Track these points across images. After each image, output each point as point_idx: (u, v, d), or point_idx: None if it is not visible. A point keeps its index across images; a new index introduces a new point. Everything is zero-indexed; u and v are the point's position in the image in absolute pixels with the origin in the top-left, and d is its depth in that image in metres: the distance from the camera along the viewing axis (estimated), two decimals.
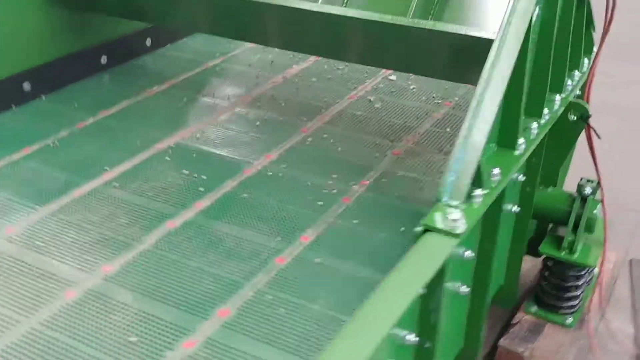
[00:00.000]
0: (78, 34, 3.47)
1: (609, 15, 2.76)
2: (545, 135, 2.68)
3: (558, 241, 2.91)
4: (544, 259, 2.99)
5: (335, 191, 2.54)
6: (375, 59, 2.84)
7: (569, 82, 2.87)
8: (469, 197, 2.01)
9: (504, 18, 2.12)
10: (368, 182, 2.61)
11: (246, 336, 1.89)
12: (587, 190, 2.87)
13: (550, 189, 3.01)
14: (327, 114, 3.16)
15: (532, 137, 2.45)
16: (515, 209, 2.70)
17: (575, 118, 2.84)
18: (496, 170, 2.14)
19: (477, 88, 2.08)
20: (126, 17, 3.47)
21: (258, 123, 3.06)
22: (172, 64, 3.71)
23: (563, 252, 2.87)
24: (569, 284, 2.92)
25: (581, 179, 2.95)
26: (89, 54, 3.55)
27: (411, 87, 3.46)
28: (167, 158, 2.77)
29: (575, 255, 2.85)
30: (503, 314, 3.04)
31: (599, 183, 2.90)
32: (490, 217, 2.34)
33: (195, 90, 3.40)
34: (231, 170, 2.67)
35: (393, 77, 3.56)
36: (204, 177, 2.64)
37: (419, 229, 1.89)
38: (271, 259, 2.19)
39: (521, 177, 2.65)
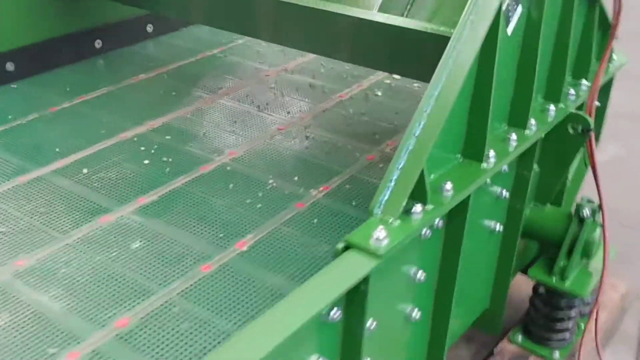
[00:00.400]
0: (70, 16, 3.35)
1: (614, 19, 2.45)
2: (536, 147, 2.41)
3: (551, 265, 2.63)
4: (535, 285, 2.71)
5: (290, 195, 2.33)
6: (348, 56, 2.61)
7: (572, 90, 2.58)
8: (407, 212, 1.78)
9: (463, 15, 1.87)
10: (330, 187, 2.39)
11: (136, 352, 1.69)
12: (586, 211, 2.58)
13: (548, 208, 2.73)
14: (312, 112, 2.94)
15: (510, 149, 2.19)
16: (499, 227, 2.43)
17: (574, 131, 2.55)
18: (448, 185, 1.89)
19: (427, 90, 1.84)
20: (119, 1, 3.33)
21: (235, 117, 2.88)
22: (169, 52, 3.56)
23: (554, 278, 2.59)
24: (559, 314, 2.64)
25: (581, 199, 2.66)
26: (82, 38, 3.43)
27: (414, 87, 3.22)
28: (127, 149, 2.62)
29: (567, 283, 2.57)
30: (490, 341, 2.78)
31: (600, 204, 2.60)
32: (452, 236, 2.10)
33: (183, 80, 3.23)
34: (188, 165, 2.50)
35: (397, 75, 3.32)
36: (158, 170, 2.47)
37: (340, 245, 1.67)
38: (196, 265, 1.99)
39: (505, 193, 2.39)
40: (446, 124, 1.91)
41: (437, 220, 1.97)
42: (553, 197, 2.73)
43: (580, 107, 2.64)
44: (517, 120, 2.27)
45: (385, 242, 1.66)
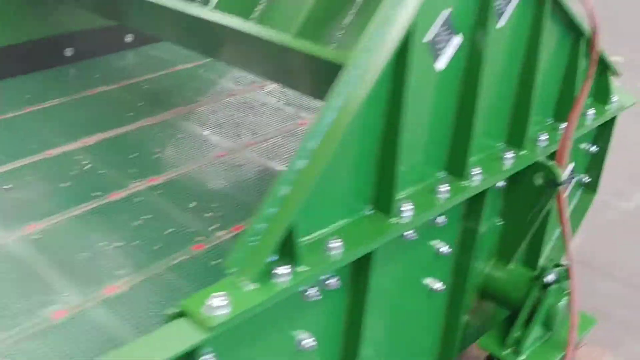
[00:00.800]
0: (39, 22, 3.17)
1: (592, 56, 2.10)
2: (485, 199, 2.08)
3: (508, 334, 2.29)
4: (487, 356, 2.36)
5: (194, 233, 2.07)
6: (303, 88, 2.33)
7: (544, 135, 2.24)
8: (269, 274, 1.49)
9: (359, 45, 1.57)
10: (244, 226, 2.11)
11: None
12: (550, 276, 2.23)
13: (511, 267, 2.38)
14: (263, 138, 2.68)
15: (437, 202, 1.87)
16: (440, 286, 2.11)
17: (542, 183, 2.21)
18: (335, 242, 1.59)
19: (311, 127, 1.55)
20: (95, 12, 3.14)
21: (176, 139, 2.64)
22: (144, 63, 3.35)
23: (506, 351, 2.24)
24: None
25: (548, 261, 2.32)
26: (52, 45, 3.25)
27: None
28: (48, 167, 2.41)
29: (520, 358, 2.22)
30: None
31: (568, 269, 2.25)
32: (354, 298, 1.80)
33: (143, 94, 3.02)
34: (101, 190, 2.26)
35: None
36: (66, 194, 2.25)
37: (172, 310, 1.40)
38: (49, 311, 1.75)
39: (445, 249, 2.06)
40: (342, 169, 1.62)
41: (329, 280, 1.67)
42: (516, 255, 2.38)
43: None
44: (455, 168, 1.95)
45: (223, 311, 1.38)
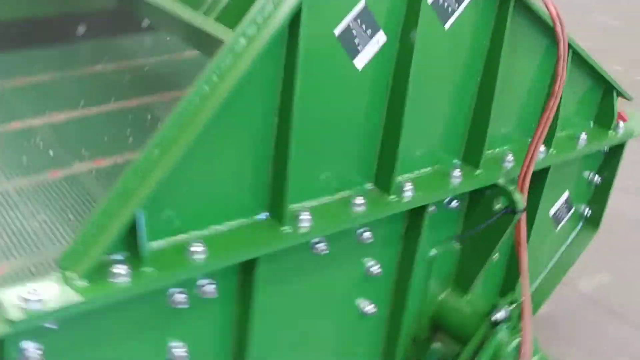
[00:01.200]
0: None
1: (556, 74, 1.85)
2: (424, 218, 1.88)
3: None
4: None
5: None
6: None
7: (510, 156, 2.02)
8: (104, 272, 1.36)
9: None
10: None
11: None
12: (500, 314, 2.02)
13: (466, 298, 2.17)
14: None
15: (350, 215, 1.69)
16: (372, 309, 1.94)
17: (499, 207, 2.00)
18: (197, 247, 1.45)
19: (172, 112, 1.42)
20: None
21: (140, 124, 2.53)
22: (152, 47, 3.28)
23: None
24: None
25: (504, 297, 2.09)
26: (66, 21, 3.24)
27: None
28: (2, 138, 2.37)
29: None
30: None
31: (521, 307, 2.02)
32: (240, 314, 1.65)
33: (134, 77, 2.94)
34: (41, 167, 2.20)
35: None
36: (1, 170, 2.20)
37: None
38: None
39: (376, 268, 1.88)
40: (211, 166, 1.47)
41: (204, 287, 1.53)
42: (474, 284, 2.16)
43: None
44: (382, 181, 1.77)
45: (34, 306, 1.26)
